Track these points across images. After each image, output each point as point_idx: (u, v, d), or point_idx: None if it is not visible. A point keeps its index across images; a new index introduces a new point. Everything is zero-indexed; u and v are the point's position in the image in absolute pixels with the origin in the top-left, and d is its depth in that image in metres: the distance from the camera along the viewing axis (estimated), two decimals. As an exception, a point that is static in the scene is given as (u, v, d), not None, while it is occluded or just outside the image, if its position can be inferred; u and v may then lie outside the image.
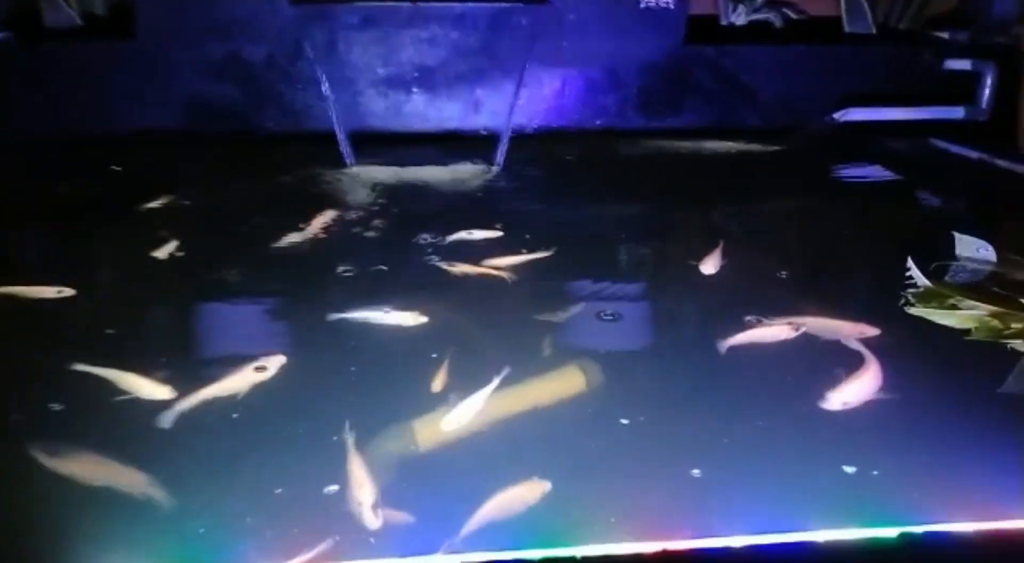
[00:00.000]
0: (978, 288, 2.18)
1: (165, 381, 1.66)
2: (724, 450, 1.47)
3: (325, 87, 3.62)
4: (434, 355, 1.80)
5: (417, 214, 2.85)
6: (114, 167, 3.33)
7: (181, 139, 3.69)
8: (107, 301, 2.20)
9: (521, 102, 3.78)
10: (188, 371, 1.73)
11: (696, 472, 1.39)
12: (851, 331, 1.88)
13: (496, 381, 1.65)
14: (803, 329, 1.89)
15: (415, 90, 3.83)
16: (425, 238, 2.57)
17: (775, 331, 1.90)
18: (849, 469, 1.39)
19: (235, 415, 1.58)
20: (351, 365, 1.80)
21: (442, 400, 1.62)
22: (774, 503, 1.27)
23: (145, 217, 2.78)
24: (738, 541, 1.04)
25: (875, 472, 1.39)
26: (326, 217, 2.75)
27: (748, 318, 1.96)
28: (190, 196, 3.00)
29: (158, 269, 2.35)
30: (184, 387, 1.64)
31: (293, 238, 2.57)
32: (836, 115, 3.88)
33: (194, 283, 2.29)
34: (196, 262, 2.41)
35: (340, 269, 2.34)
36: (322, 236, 2.63)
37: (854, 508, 1.24)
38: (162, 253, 2.42)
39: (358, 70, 3.77)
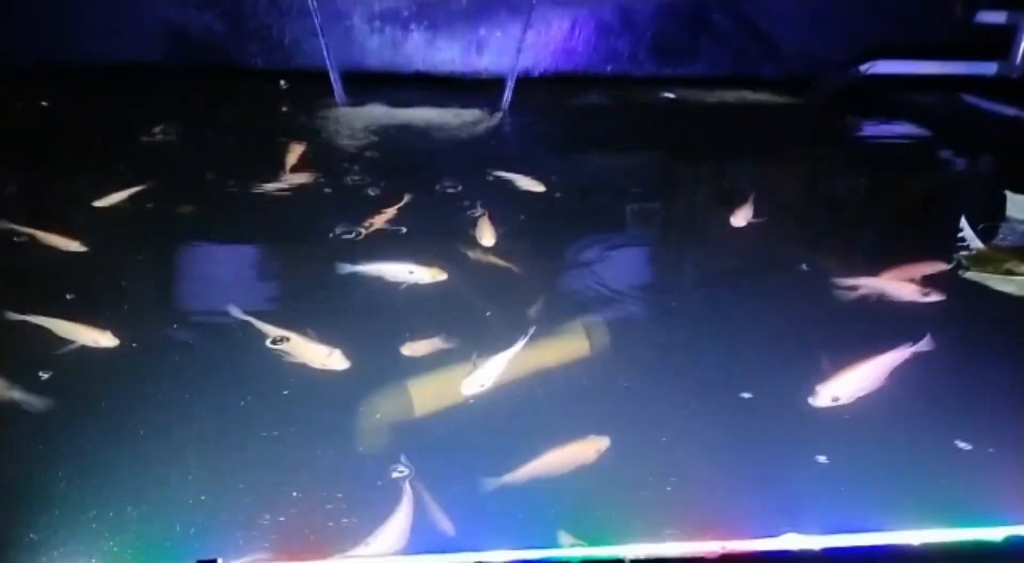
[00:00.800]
0: (1033, 252, 1.99)
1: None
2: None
3: (317, 20, 3.33)
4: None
5: (409, 159, 2.62)
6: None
7: (158, 73, 3.41)
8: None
9: (528, 44, 3.52)
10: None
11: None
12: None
13: (523, 341, 1.49)
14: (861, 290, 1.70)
15: (413, 27, 3.56)
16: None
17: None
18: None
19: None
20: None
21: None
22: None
23: (112, 157, 2.53)
24: (836, 541, 0.85)
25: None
26: (304, 158, 2.52)
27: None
28: (164, 135, 2.74)
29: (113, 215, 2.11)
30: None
31: (271, 183, 2.32)
32: (862, 67, 3.63)
33: (155, 230, 2.05)
34: (162, 208, 2.17)
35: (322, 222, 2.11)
36: (301, 182, 2.38)
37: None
38: (119, 198, 2.17)
39: (352, 3, 3.48)
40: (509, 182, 2.41)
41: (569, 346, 1.61)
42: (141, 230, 2.04)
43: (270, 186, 2.30)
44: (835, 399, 1.32)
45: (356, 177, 2.42)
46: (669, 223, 2.39)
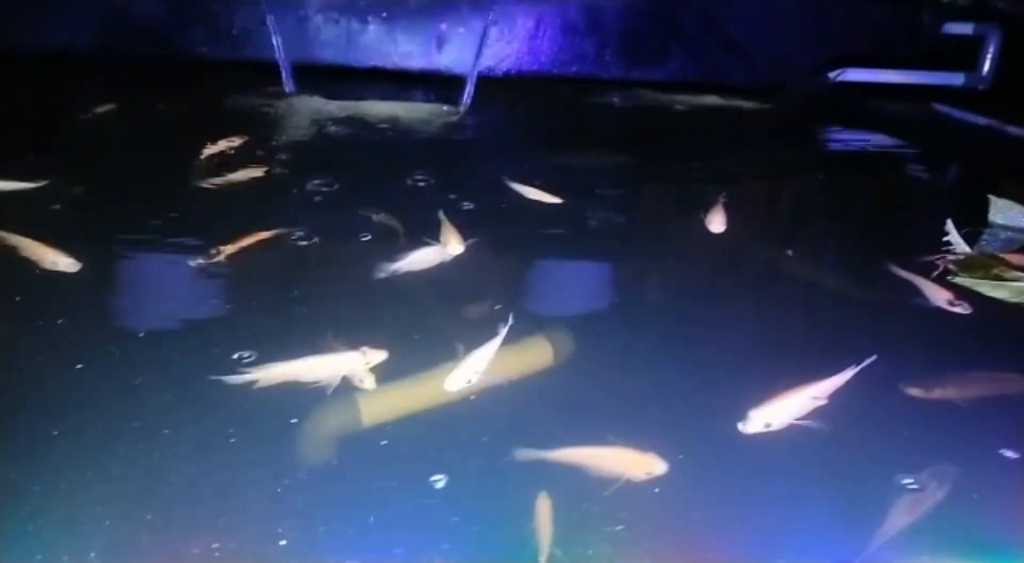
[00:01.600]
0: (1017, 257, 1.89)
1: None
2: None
3: (267, 9, 3.14)
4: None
5: (353, 153, 2.43)
6: None
7: (96, 62, 3.18)
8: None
9: (490, 41, 3.37)
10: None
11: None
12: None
13: (503, 331, 1.35)
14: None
15: (371, 20, 3.38)
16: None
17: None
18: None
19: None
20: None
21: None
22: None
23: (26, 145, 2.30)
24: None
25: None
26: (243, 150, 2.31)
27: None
28: (93, 125, 2.52)
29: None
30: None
31: (210, 181, 2.11)
32: (832, 74, 3.56)
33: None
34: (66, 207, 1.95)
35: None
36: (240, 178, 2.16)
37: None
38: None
39: (306, -8, 3.31)
40: (463, 180, 2.24)
41: (531, 355, 1.46)
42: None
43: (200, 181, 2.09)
44: (767, 425, 1.15)
45: (286, 170, 2.22)
46: (628, 225, 2.22)
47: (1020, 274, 1.75)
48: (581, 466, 1.06)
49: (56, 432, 1.08)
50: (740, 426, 1.14)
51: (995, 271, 1.75)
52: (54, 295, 1.46)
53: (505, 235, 1.88)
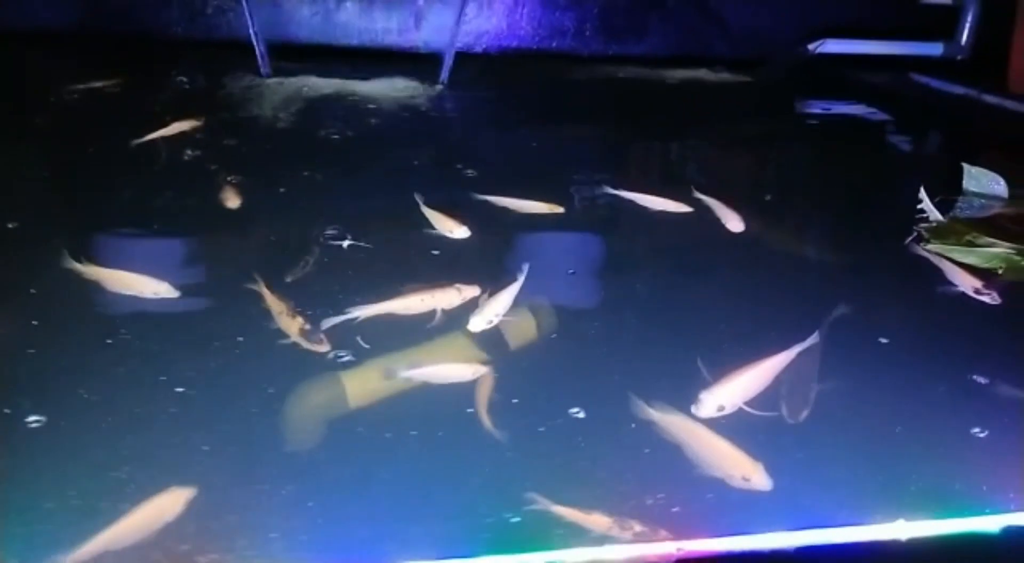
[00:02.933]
0: (992, 224, 1.91)
1: None
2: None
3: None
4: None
5: (331, 135, 2.42)
6: None
7: (68, 40, 3.14)
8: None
9: (469, 17, 3.34)
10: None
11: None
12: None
13: (521, 278, 1.45)
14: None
15: (347, -3, 3.35)
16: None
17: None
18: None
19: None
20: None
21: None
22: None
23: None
24: (814, 536, 0.71)
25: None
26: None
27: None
28: (57, 105, 2.49)
29: None
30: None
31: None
32: (811, 46, 3.55)
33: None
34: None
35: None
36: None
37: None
38: None
39: (281, -30, 3.27)
40: (444, 161, 2.24)
41: (516, 330, 1.47)
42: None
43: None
44: (720, 408, 1.12)
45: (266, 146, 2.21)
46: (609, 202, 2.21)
47: (991, 240, 1.77)
48: None
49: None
50: (693, 409, 1.12)
51: (967, 238, 1.77)
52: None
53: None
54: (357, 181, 2.08)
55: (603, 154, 2.52)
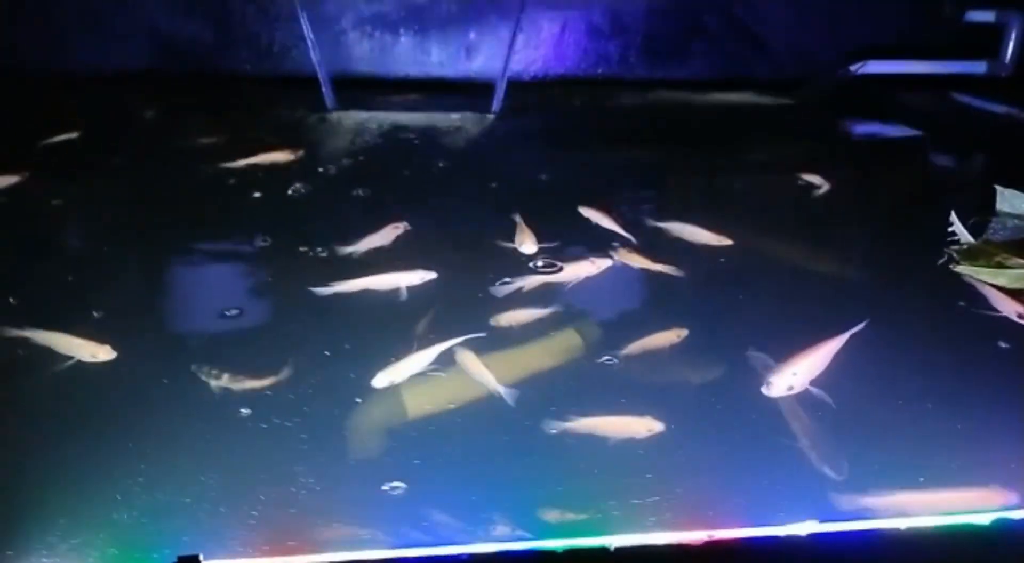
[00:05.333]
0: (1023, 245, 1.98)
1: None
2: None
3: (305, 26, 3.33)
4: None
5: (398, 163, 2.60)
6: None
7: (145, 80, 3.40)
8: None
9: (517, 47, 3.51)
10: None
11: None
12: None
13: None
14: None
15: (403, 32, 3.55)
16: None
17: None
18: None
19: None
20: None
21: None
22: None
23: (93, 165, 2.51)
24: (808, 528, 0.83)
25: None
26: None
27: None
28: (147, 137, 2.73)
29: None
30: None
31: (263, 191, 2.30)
32: (852, 67, 3.63)
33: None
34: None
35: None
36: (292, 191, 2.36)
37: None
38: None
39: (342, 8, 3.48)
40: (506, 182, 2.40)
41: (561, 345, 1.60)
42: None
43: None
44: (790, 388, 1.33)
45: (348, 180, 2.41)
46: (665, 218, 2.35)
47: (1022, 262, 1.85)
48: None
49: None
50: (764, 390, 1.32)
51: (997, 259, 1.85)
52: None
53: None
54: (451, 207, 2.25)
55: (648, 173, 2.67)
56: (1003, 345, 1.56)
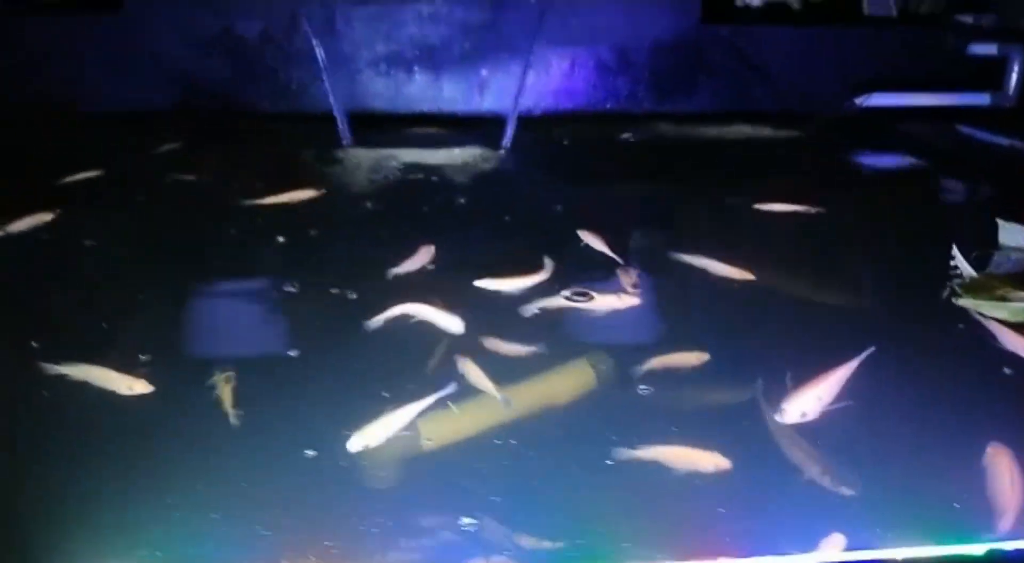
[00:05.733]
0: (1025, 279, 2.02)
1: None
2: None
3: (322, 64, 3.43)
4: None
5: (417, 199, 2.68)
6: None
7: (168, 117, 3.51)
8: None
9: (529, 83, 3.61)
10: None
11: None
12: None
13: None
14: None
15: (417, 69, 3.66)
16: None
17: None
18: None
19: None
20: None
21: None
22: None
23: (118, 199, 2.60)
24: (813, 559, 0.88)
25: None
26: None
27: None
28: (168, 176, 2.82)
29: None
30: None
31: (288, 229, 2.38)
32: (858, 100, 3.70)
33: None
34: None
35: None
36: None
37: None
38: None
39: (357, 47, 3.59)
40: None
41: (574, 379, 1.63)
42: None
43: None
44: (803, 414, 1.38)
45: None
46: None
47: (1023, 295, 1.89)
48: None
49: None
50: (778, 418, 1.36)
51: (999, 292, 1.89)
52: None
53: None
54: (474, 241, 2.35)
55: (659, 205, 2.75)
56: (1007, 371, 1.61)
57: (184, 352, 1.71)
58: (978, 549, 0.93)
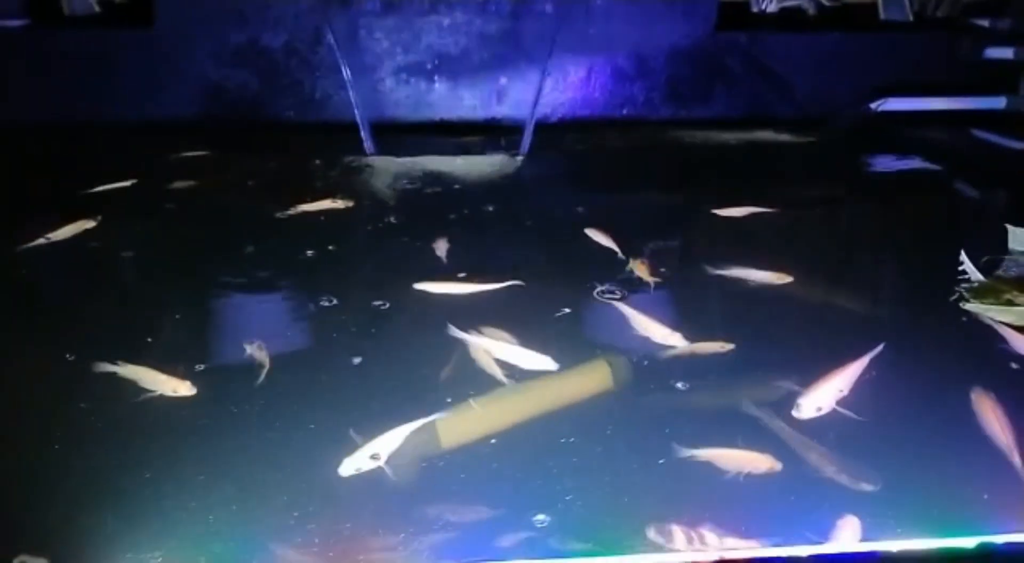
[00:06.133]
0: (1035, 283, 2.06)
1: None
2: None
3: (346, 75, 3.53)
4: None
5: (437, 205, 2.76)
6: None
7: (198, 128, 3.62)
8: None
9: (546, 91, 3.68)
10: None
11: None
12: None
13: None
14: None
15: (437, 79, 3.74)
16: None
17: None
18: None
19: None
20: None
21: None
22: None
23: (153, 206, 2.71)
24: (802, 551, 0.94)
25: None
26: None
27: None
28: (198, 185, 2.92)
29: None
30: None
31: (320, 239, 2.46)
32: (873, 105, 3.74)
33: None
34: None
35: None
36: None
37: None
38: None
39: (379, 58, 3.69)
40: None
41: (591, 379, 1.69)
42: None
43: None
44: (819, 409, 1.46)
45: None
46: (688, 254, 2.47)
47: (1032, 299, 1.93)
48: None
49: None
50: (794, 413, 1.44)
51: (1006, 297, 1.94)
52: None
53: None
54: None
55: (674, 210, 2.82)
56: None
57: (230, 360, 1.78)
58: (969, 542, 0.99)
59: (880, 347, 1.66)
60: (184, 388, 1.55)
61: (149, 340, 1.76)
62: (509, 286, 2.02)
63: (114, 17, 3.87)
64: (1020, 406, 1.49)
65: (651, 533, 1.08)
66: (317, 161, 3.24)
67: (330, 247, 2.34)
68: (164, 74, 3.65)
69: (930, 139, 3.57)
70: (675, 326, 1.81)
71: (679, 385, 1.61)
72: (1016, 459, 1.30)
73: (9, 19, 3.59)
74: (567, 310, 1.91)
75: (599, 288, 2.02)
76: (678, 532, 1.06)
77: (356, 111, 3.46)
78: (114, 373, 1.60)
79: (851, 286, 2.23)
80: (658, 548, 1.03)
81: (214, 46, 3.63)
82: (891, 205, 2.92)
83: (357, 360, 1.68)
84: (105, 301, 2.03)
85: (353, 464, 1.33)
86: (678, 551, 0.99)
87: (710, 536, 1.05)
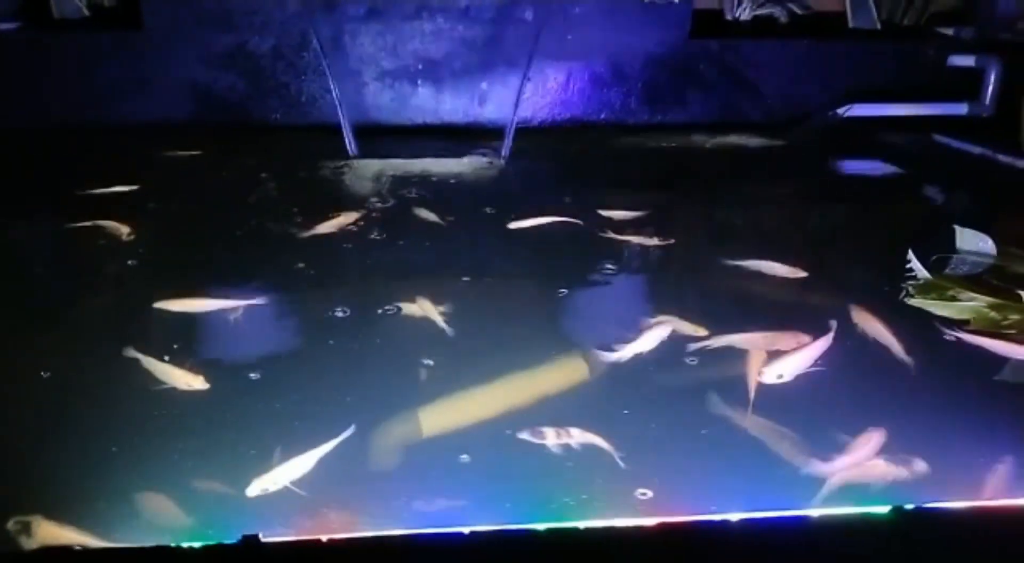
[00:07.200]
0: (977, 280, 2.20)
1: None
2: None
3: (330, 79, 3.63)
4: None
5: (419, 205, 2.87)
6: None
7: (186, 130, 3.72)
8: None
9: (526, 96, 3.80)
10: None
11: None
12: None
13: None
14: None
15: (420, 83, 3.86)
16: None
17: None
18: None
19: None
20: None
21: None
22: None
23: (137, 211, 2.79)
24: (732, 517, 1.06)
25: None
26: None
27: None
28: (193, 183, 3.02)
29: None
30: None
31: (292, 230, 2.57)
32: (840, 110, 3.88)
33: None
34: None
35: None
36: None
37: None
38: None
39: (363, 62, 3.80)
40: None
41: (567, 371, 1.78)
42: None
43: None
44: (779, 376, 1.67)
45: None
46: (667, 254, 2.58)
47: (971, 295, 2.07)
48: None
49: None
50: (760, 377, 1.65)
51: (949, 293, 2.07)
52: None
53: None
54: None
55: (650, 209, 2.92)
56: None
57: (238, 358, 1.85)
58: (883, 509, 1.11)
59: (833, 331, 1.85)
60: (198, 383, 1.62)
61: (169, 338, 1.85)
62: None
63: (103, 20, 3.95)
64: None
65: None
66: (302, 162, 3.35)
67: (324, 250, 2.46)
68: (153, 77, 3.74)
69: (893, 143, 3.72)
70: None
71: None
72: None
73: (0, 22, 3.67)
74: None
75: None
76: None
77: (340, 114, 3.56)
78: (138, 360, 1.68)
79: (812, 279, 2.34)
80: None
81: (202, 50, 3.72)
82: (852, 205, 3.06)
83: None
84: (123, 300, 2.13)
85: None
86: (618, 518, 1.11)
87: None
